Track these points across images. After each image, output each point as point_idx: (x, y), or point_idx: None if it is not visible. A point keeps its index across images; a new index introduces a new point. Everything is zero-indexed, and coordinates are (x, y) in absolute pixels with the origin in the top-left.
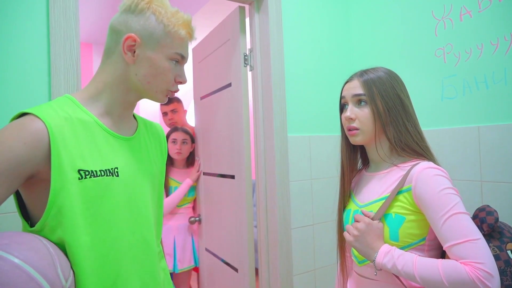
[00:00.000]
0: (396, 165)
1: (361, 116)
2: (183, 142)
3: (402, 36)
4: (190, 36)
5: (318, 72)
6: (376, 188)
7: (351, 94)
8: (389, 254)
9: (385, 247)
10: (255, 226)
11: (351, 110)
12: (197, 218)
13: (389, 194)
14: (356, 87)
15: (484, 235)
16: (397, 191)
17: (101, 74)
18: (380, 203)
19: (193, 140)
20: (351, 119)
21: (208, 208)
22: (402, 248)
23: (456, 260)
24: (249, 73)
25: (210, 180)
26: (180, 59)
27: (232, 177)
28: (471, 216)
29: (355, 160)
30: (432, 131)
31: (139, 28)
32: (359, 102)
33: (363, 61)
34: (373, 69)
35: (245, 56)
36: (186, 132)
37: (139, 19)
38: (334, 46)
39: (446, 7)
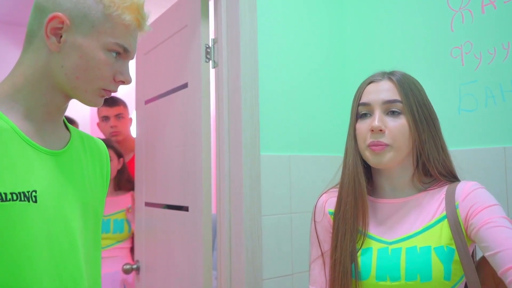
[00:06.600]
0: (426, 190)
1: (394, 128)
2: None
3: (410, 31)
4: (139, 24)
5: (303, 72)
6: (411, 217)
7: (382, 99)
8: None
9: None
10: (215, 278)
11: (381, 119)
12: (134, 266)
13: (434, 221)
14: (390, 91)
15: None
16: (445, 215)
17: (21, 65)
18: (429, 233)
19: (119, 155)
20: (381, 131)
21: (150, 252)
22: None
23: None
24: (212, 71)
25: (154, 214)
26: (122, 52)
27: (186, 209)
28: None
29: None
30: None
31: (70, 6)
32: (390, 110)
33: (360, 60)
34: (395, 71)
35: (207, 48)
36: (108, 145)
37: None
38: (325, 39)
39: None
